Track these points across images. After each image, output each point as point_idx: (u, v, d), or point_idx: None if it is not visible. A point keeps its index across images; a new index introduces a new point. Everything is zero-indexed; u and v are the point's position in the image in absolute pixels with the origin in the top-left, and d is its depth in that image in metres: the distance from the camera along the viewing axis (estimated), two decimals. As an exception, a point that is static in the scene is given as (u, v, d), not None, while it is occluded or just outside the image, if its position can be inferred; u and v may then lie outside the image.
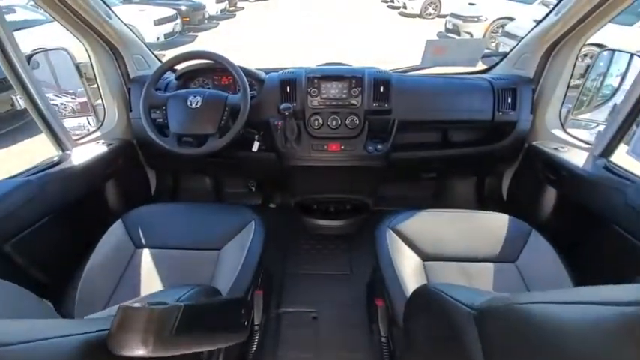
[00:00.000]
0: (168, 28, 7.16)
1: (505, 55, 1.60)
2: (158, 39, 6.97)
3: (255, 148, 1.42)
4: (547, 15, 1.35)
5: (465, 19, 7.19)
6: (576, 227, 1.20)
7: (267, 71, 1.55)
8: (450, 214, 1.22)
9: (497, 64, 1.65)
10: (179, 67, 1.50)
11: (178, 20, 7.60)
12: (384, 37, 8.25)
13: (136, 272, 1.06)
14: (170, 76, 1.54)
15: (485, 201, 1.87)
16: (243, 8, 12.87)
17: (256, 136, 1.44)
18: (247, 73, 1.44)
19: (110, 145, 1.45)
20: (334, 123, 1.41)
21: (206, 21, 9.47)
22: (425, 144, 1.58)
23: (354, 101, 1.40)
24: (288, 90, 1.41)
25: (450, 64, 1.51)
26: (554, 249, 1.05)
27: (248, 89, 1.25)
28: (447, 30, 7.70)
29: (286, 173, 1.61)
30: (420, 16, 10.45)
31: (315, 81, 1.41)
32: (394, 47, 7.19)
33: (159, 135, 1.26)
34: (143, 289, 1.02)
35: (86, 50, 1.46)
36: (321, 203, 1.79)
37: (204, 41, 8.23)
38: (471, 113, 1.45)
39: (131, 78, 1.58)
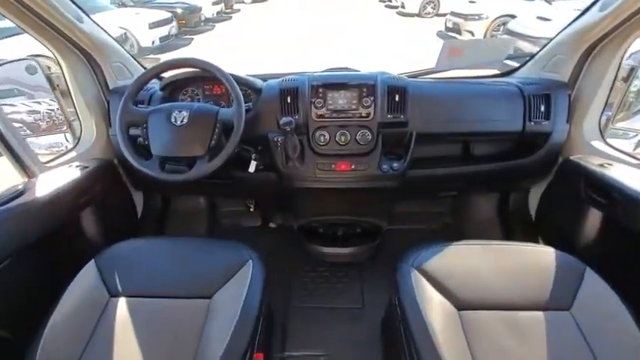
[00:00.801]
0: (163, 31, 6.98)
1: (531, 56, 1.42)
2: (153, 42, 6.80)
3: (252, 168, 1.25)
4: (585, 11, 1.17)
5: (465, 17, 7.03)
6: (637, 263, 1.01)
7: (264, 78, 1.38)
8: (483, 246, 1.04)
9: (521, 66, 1.47)
10: (165, 75, 1.33)
11: (174, 23, 7.44)
12: (383, 37, 8.09)
13: (109, 327, 0.88)
14: (155, 86, 1.36)
15: (510, 220, 1.68)
16: (239, 10, 12.71)
17: (253, 155, 1.26)
18: (242, 81, 1.28)
19: (86, 167, 1.26)
20: (343, 138, 1.24)
21: (202, 23, 9.31)
22: (444, 158, 1.41)
23: (365, 113, 1.24)
24: (289, 101, 1.24)
25: (468, 67, 1.36)
26: (614, 292, 0.87)
27: (242, 102, 1.08)
28: (447, 29, 7.55)
29: (288, 195, 1.44)
30: (418, 15, 10.30)
31: (320, 90, 1.24)
32: (394, 47, 7.04)
33: (138, 158, 1.09)
34: (117, 350, 0.83)
35: (55, 59, 1.27)
36: (328, 226, 1.62)
37: (201, 43, 8.06)
38: (498, 123, 1.27)
39: (110, 89, 1.40)
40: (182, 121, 1.07)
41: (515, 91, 1.28)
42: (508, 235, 1.69)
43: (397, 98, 1.22)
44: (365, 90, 1.24)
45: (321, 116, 1.25)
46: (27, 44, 1.44)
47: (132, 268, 1.01)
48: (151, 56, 6.66)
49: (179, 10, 8.30)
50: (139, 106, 1.27)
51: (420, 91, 1.27)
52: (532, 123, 1.26)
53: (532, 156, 1.31)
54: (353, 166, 1.26)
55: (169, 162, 1.12)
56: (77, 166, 1.26)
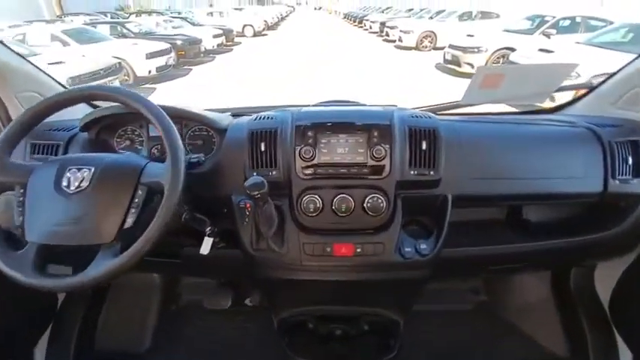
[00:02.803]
0: (160, 61, 6.96)
1: (589, 87, 1.13)
2: (150, 72, 6.75)
3: (205, 248, 0.89)
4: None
5: (464, 49, 7.07)
6: None
7: (236, 113, 1.09)
8: None
9: (575, 100, 1.15)
10: (82, 112, 1.02)
11: (172, 54, 7.45)
12: (382, 68, 8.11)
13: None
14: (76, 124, 1.03)
15: (570, 303, 1.29)
16: (240, 43, 13.01)
17: (208, 229, 0.89)
18: (195, 118, 0.99)
19: None
20: (343, 206, 0.89)
21: (202, 55, 9.42)
22: (486, 225, 1.07)
23: (377, 167, 0.90)
24: (262, 148, 0.90)
25: (506, 100, 1.05)
26: None
27: (179, 151, 0.73)
28: (446, 61, 7.57)
29: (263, 284, 1.10)
30: (415, 48, 10.51)
31: (310, 133, 0.90)
32: (395, 77, 7.00)
33: (4, 247, 0.72)
34: None
35: None
36: (321, 321, 1.22)
37: (199, 74, 8.05)
38: (567, 182, 0.94)
39: None
40: (79, 186, 0.71)
41: (586, 134, 0.96)
42: (567, 322, 1.30)
43: (424, 145, 0.89)
44: (377, 133, 0.89)
45: (310, 172, 0.90)
46: None
47: None
48: (147, 86, 6.61)
49: (179, 42, 8.41)
50: (34, 156, 0.96)
51: (457, 134, 0.94)
52: (617, 181, 0.93)
53: (616, 227, 0.98)
54: (358, 249, 0.90)
55: (54, 255, 0.75)
56: None
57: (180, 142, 0.74)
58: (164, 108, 0.77)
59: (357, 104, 1.10)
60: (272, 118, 0.96)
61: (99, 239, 0.69)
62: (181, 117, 1.02)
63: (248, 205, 0.88)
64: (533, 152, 0.96)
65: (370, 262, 0.92)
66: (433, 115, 0.99)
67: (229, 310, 1.42)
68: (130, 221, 0.70)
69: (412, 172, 0.90)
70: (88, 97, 0.82)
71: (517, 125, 1.03)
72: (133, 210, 0.71)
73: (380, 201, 0.88)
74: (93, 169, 0.73)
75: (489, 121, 1.06)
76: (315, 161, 0.90)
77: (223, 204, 0.92)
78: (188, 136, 1.05)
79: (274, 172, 0.90)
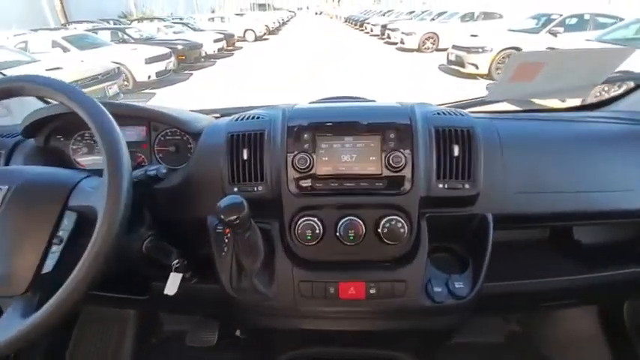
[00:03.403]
0: (160, 66, 6.86)
1: (636, 80, 0.95)
2: (149, 77, 6.66)
3: (171, 288, 0.71)
4: None
5: (468, 50, 6.91)
6: None
7: (226, 113, 0.94)
8: None
9: (621, 95, 0.96)
10: (22, 109, 0.86)
11: (172, 59, 7.38)
12: (385, 70, 7.99)
13: None
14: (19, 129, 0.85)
15: (621, 339, 1.08)
16: (241, 47, 12.98)
17: (175, 262, 0.72)
18: (163, 119, 0.82)
19: None
20: (352, 232, 0.69)
21: (203, 59, 9.38)
22: (530, 252, 0.88)
23: (394, 179, 0.71)
24: (245, 156, 0.73)
25: (543, 95, 0.88)
26: None
27: (122, 163, 0.54)
28: (450, 62, 7.42)
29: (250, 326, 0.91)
30: (418, 50, 10.40)
31: (306, 136, 0.72)
32: (399, 78, 6.87)
33: None
34: None
35: None
36: None
37: (200, 78, 7.98)
38: (629, 196, 0.75)
39: None
40: None
41: None
42: None
43: (457, 150, 0.71)
44: (393, 135, 0.71)
45: (307, 187, 0.71)
46: None
47: None
48: (147, 91, 6.54)
49: (179, 47, 8.39)
50: None
51: (497, 135, 0.76)
52: None
53: None
54: (372, 290, 0.71)
55: None
56: None
57: (122, 147, 0.55)
58: (113, 105, 0.63)
59: (365, 100, 0.91)
60: (258, 117, 0.78)
61: (6, 290, 0.50)
62: (142, 117, 0.84)
63: (227, 230, 0.70)
64: (592, 157, 0.77)
65: (389, 307, 0.72)
66: (464, 111, 0.79)
67: (217, 343, 1.23)
68: (49, 264, 0.51)
69: (441, 186, 0.71)
70: (15, 90, 0.61)
71: (568, 123, 0.84)
72: (55, 247, 0.52)
73: (400, 224, 0.69)
74: (5, 189, 0.53)
75: (530, 118, 0.88)
76: (312, 172, 0.72)
77: (196, 228, 0.74)
78: (157, 141, 0.88)
79: (260, 188, 0.72)
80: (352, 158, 0.72)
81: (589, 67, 0.80)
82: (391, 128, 0.72)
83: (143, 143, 0.89)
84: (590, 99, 1.04)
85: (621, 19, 5.39)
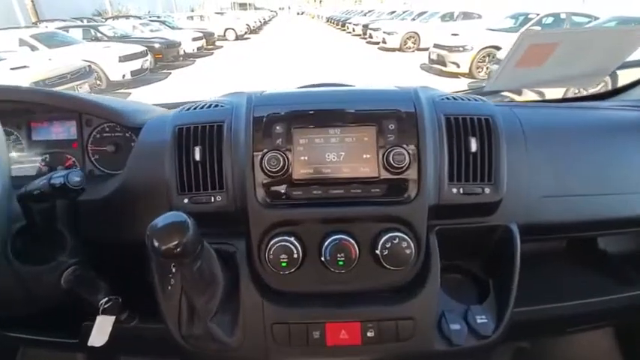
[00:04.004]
0: (135, 65, 6.58)
1: None
2: (124, 76, 6.38)
3: (98, 337, 0.56)
4: None
5: (450, 49, 6.97)
6: None
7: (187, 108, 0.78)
8: None
9: (631, 85, 0.87)
10: None
11: (149, 57, 7.11)
12: (368, 69, 7.96)
13: None
14: None
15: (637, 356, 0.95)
16: (222, 47, 12.71)
17: (103, 300, 0.57)
18: (92, 110, 0.67)
19: None
20: (341, 255, 0.55)
21: (181, 58, 9.11)
22: (554, 266, 0.75)
23: (395, 183, 0.57)
24: (198, 156, 0.58)
25: (553, 83, 0.77)
26: None
27: None
28: (432, 61, 7.47)
29: None
30: (399, 49, 10.46)
31: (278, 128, 0.57)
32: (382, 78, 6.84)
33: None
34: None
35: None
36: None
37: (178, 77, 7.72)
38: None
39: None
40: None
41: None
42: None
43: (474, 145, 0.57)
44: (393, 126, 0.57)
45: (280, 195, 0.57)
46: None
47: None
48: (121, 91, 6.25)
49: (156, 45, 8.12)
50: None
51: (519, 126, 0.64)
52: None
53: None
54: (370, 332, 0.56)
55: None
56: None
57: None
58: (28, 91, 0.49)
59: (351, 87, 0.75)
60: (216, 106, 0.62)
61: None
62: (69, 108, 0.69)
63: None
64: (625, 149, 0.66)
65: (392, 355, 0.56)
66: (480, 96, 0.66)
67: None
68: None
69: (455, 191, 0.56)
70: None
71: (588, 111, 0.72)
72: None
73: (404, 243, 0.54)
74: None
75: (544, 106, 0.76)
76: (288, 176, 0.56)
77: (135, 254, 0.56)
78: (92, 139, 0.73)
79: (219, 198, 0.56)
80: (340, 157, 0.57)
81: (605, 49, 0.71)
82: (390, 117, 0.57)
83: (73, 142, 0.73)
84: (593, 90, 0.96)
85: (596, 18, 5.53)
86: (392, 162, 0.55)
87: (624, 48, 0.71)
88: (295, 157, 0.57)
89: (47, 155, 0.73)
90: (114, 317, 0.56)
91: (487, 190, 0.57)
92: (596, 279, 0.72)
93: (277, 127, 0.57)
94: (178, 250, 0.41)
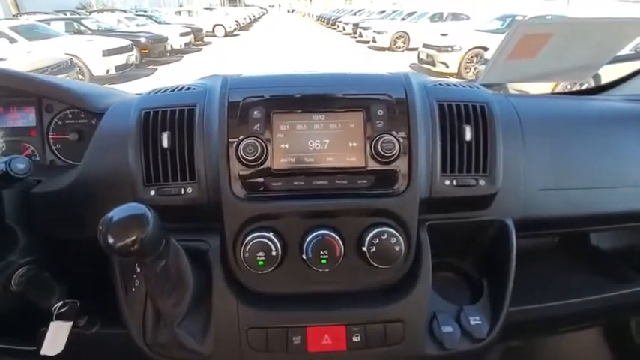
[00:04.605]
0: (120, 59, 6.43)
1: None
2: (108, 71, 6.22)
3: (51, 346, 0.50)
4: None
5: (439, 49, 7.05)
6: None
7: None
8: None
9: (625, 78, 0.85)
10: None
11: (134, 52, 6.94)
12: (358, 68, 7.98)
13: None
14: None
15: (626, 354, 0.94)
16: (210, 43, 12.52)
17: (58, 305, 0.52)
18: (51, 93, 0.62)
19: None
20: (325, 252, 0.51)
21: (168, 54, 8.91)
22: (547, 264, 0.73)
23: (384, 174, 0.53)
24: (166, 143, 0.53)
25: (545, 77, 0.75)
26: None
27: None
28: (421, 60, 7.53)
29: None
30: (389, 49, 10.51)
31: (256, 113, 0.53)
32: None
33: None
34: None
35: None
36: None
37: (165, 73, 7.57)
38: None
39: None
40: None
41: None
42: None
43: (469, 134, 0.54)
44: (382, 112, 0.53)
45: (258, 187, 0.52)
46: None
47: None
48: (106, 86, 6.08)
49: (142, 40, 7.94)
50: None
51: (515, 115, 0.62)
52: None
53: None
54: (356, 337, 0.52)
55: None
56: None
57: None
58: None
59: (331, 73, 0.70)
60: (188, 88, 0.58)
61: None
62: (27, 92, 0.64)
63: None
64: (626, 141, 0.64)
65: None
66: (475, 83, 0.64)
67: None
68: None
69: (448, 183, 0.53)
70: None
71: (586, 102, 0.70)
72: None
73: (393, 239, 0.51)
74: None
75: (545, 96, 0.76)
76: (266, 166, 0.52)
77: (96, 253, 0.49)
78: (53, 126, 0.68)
79: (189, 190, 0.52)
80: (324, 145, 0.52)
81: (597, 42, 0.69)
82: (379, 102, 0.53)
83: (32, 129, 0.68)
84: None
85: (580, 21, 5.66)
86: (380, 151, 0.51)
87: (616, 41, 0.70)
88: (275, 145, 0.52)
89: (3, 144, 0.67)
90: (70, 323, 0.51)
91: (482, 182, 0.54)
92: (589, 277, 0.71)
93: (255, 112, 0.52)
94: (136, 247, 0.37)
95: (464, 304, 0.57)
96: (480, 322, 0.55)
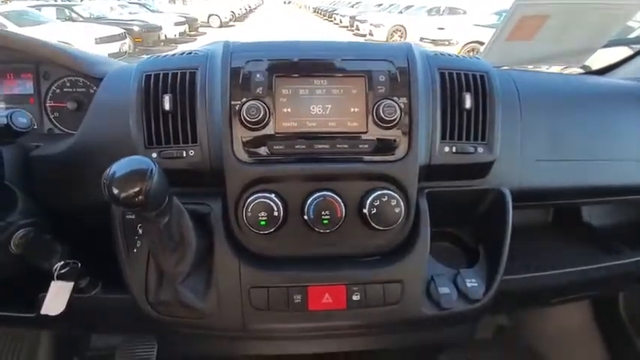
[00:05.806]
0: (113, 47, 6.32)
1: None
2: (101, 60, 6.12)
3: (52, 306, 0.50)
4: None
5: (436, 42, 7.10)
6: None
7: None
8: None
9: (622, 62, 0.84)
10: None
11: (127, 40, 6.84)
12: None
13: None
14: None
15: (622, 334, 0.96)
16: (205, 33, 12.36)
17: (59, 265, 0.51)
18: (50, 56, 0.61)
19: None
20: (326, 213, 0.52)
21: (162, 43, 8.80)
22: (540, 237, 0.75)
23: (385, 140, 0.54)
24: (167, 106, 0.52)
25: (544, 59, 0.76)
26: None
27: None
28: (418, 54, 7.58)
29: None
30: (386, 42, 10.51)
31: (259, 77, 0.53)
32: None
33: None
34: None
35: None
36: None
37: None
38: None
39: None
40: None
41: None
42: (620, 357, 0.98)
43: (469, 101, 0.55)
44: (384, 78, 0.53)
45: (261, 151, 0.53)
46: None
47: None
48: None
49: (136, 28, 7.82)
50: None
51: (514, 87, 0.63)
52: None
53: None
54: (356, 295, 0.53)
55: None
56: None
57: None
58: None
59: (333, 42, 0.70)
60: (189, 53, 0.58)
61: None
62: (24, 57, 0.62)
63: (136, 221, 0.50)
64: (626, 118, 0.66)
65: (379, 320, 0.54)
66: (477, 56, 0.65)
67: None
68: None
69: (447, 149, 0.54)
70: None
71: (588, 78, 0.72)
72: None
73: (393, 202, 0.52)
74: None
75: (545, 72, 0.79)
76: (269, 129, 0.52)
77: (97, 216, 0.52)
78: (51, 94, 0.67)
79: (191, 153, 0.52)
80: (326, 110, 0.53)
81: (593, 24, 0.71)
82: (381, 68, 0.53)
83: (29, 97, 0.67)
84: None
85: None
86: (382, 115, 0.52)
87: (611, 23, 0.72)
88: (277, 108, 0.52)
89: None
90: (72, 284, 0.51)
91: (480, 150, 0.55)
92: (582, 250, 0.73)
93: (258, 75, 0.52)
94: (140, 198, 0.37)
95: (461, 270, 0.59)
96: (475, 285, 0.57)
